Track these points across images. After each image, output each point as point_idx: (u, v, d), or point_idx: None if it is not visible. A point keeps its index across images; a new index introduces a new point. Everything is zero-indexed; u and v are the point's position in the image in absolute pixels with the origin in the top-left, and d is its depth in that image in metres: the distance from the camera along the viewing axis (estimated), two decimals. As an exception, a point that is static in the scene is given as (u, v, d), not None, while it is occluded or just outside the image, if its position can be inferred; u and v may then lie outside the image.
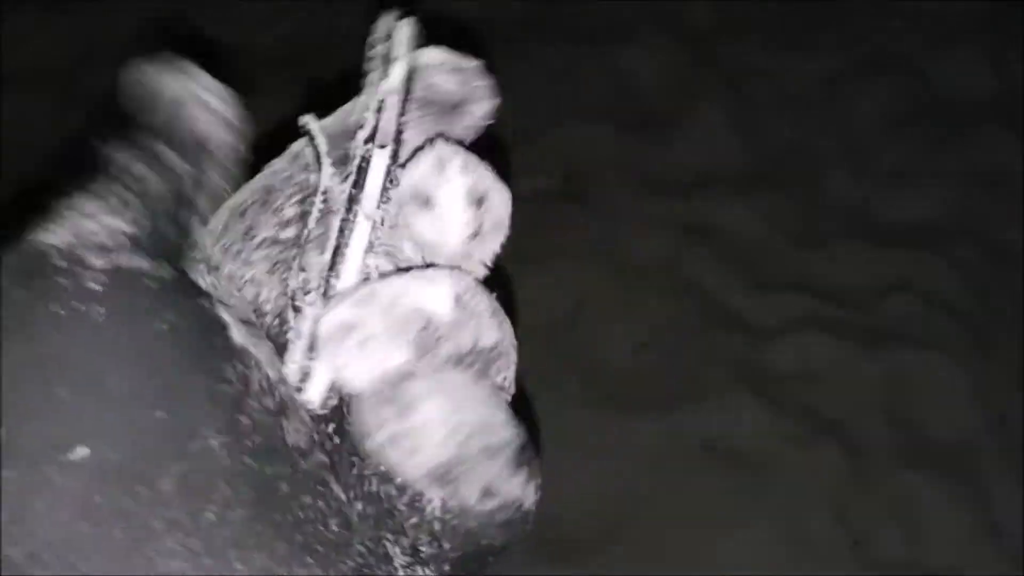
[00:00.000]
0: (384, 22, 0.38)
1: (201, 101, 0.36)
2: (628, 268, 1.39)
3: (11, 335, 0.28)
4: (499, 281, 0.35)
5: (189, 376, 0.29)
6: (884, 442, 1.27)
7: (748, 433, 1.26)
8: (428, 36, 0.38)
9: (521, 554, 1.17)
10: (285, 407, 0.31)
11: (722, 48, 1.63)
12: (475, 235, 0.34)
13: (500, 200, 0.34)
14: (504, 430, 0.32)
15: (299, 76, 1.59)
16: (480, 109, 0.38)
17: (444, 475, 0.31)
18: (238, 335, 0.31)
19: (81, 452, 0.27)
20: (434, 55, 0.38)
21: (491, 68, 0.38)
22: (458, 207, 0.34)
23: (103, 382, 0.28)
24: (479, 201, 0.34)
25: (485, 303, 0.33)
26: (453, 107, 0.37)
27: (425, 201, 0.34)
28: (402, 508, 0.32)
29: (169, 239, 0.33)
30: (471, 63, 0.38)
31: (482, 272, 0.34)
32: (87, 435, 0.28)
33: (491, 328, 0.33)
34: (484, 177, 0.34)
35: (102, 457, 0.28)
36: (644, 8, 1.67)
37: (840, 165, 1.50)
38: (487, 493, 0.32)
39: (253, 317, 0.34)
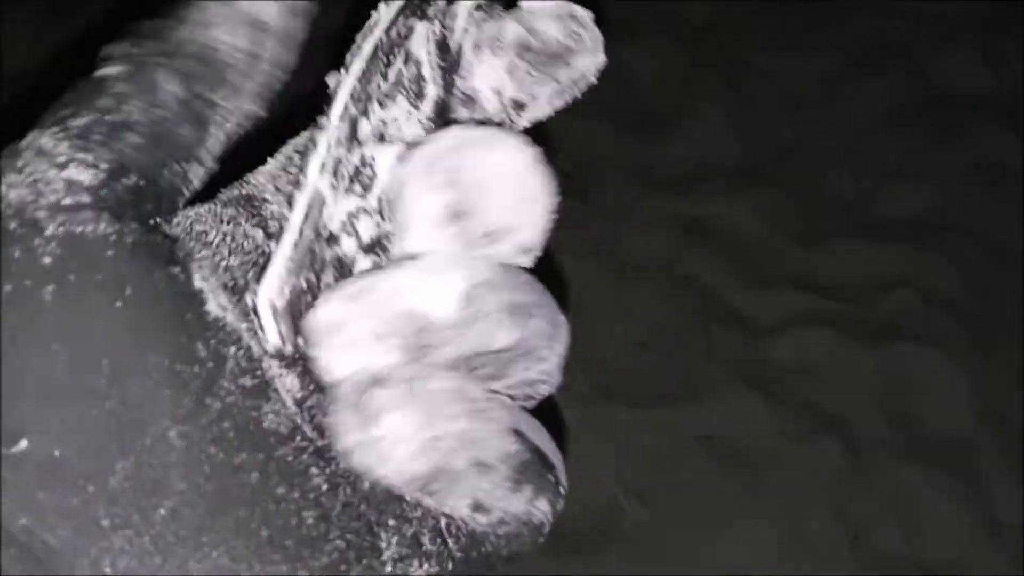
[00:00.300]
0: None
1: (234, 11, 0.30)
2: (627, 265, 1.40)
3: None
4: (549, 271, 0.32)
5: (148, 358, 0.27)
6: (883, 438, 1.27)
7: (747, 430, 1.26)
8: None
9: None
10: (266, 387, 0.29)
11: (722, 47, 1.63)
12: (459, 243, 0.30)
13: (494, 203, 0.30)
14: (499, 445, 0.29)
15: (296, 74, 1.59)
16: (585, 62, 0.34)
17: (425, 486, 0.29)
18: (217, 305, 0.29)
19: (21, 445, 0.26)
20: (537, 3, 0.34)
21: (600, 22, 0.35)
22: (428, 227, 0.30)
23: (48, 371, 0.26)
24: (455, 216, 0.30)
25: (501, 300, 0.29)
26: (555, 56, 0.34)
27: (399, 213, 0.31)
28: (408, 497, 0.30)
29: (147, 181, 0.29)
30: (580, 11, 0.34)
31: (522, 261, 0.30)
32: (30, 428, 0.26)
33: (507, 327, 0.29)
34: (467, 188, 0.30)
35: (45, 452, 0.26)
36: (644, 6, 1.67)
37: (839, 162, 1.50)
38: (479, 508, 0.30)
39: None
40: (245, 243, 0.31)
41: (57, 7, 1.89)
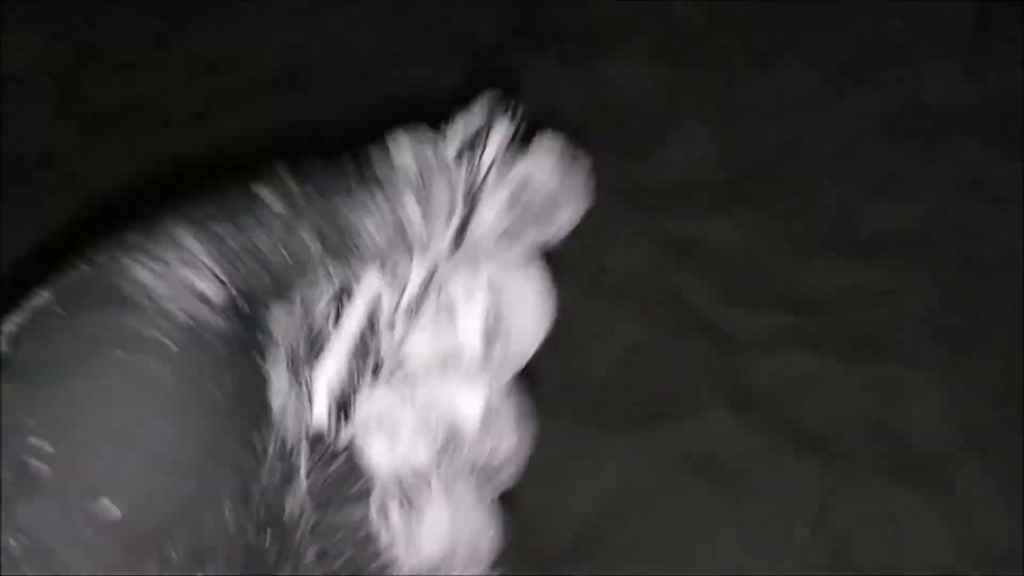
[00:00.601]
0: (483, 104, 0.38)
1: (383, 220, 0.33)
2: (610, 283, 1.40)
3: (79, 363, 0.28)
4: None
5: (224, 444, 0.30)
6: (865, 454, 1.28)
7: (729, 447, 1.27)
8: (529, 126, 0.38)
9: (503, 569, 1.19)
10: (290, 476, 0.31)
11: (706, 63, 1.63)
12: (488, 358, 0.35)
13: (520, 331, 0.35)
14: (489, 540, 0.33)
15: (299, 92, 1.61)
16: (571, 210, 0.38)
17: (432, 569, 0.32)
18: (275, 389, 0.31)
19: (113, 512, 0.27)
20: (543, 152, 0.38)
21: (589, 168, 0.38)
22: (474, 336, 0.34)
23: (150, 444, 0.29)
24: (492, 334, 0.35)
25: (509, 415, 0.34)
26: (547, 205, 0.38)
27: (449, 317, 0.35)
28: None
29: (257, 304, 0.31)
30: (576, 163, 0.38)
31: (510, 375, 0.35)
32: (121, 494, 0.28)
33: (509, 441, 0.34)
34: (505, 314, 0.35)
35: (132, 521, 0.28)
36: (626, 22, 1.68)
37: (825, 176, 1.50)
38: None
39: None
40: (315, 323, 0.34)
41: (57, 6, 1.91)
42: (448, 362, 0.33)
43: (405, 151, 0.34)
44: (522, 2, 1.74)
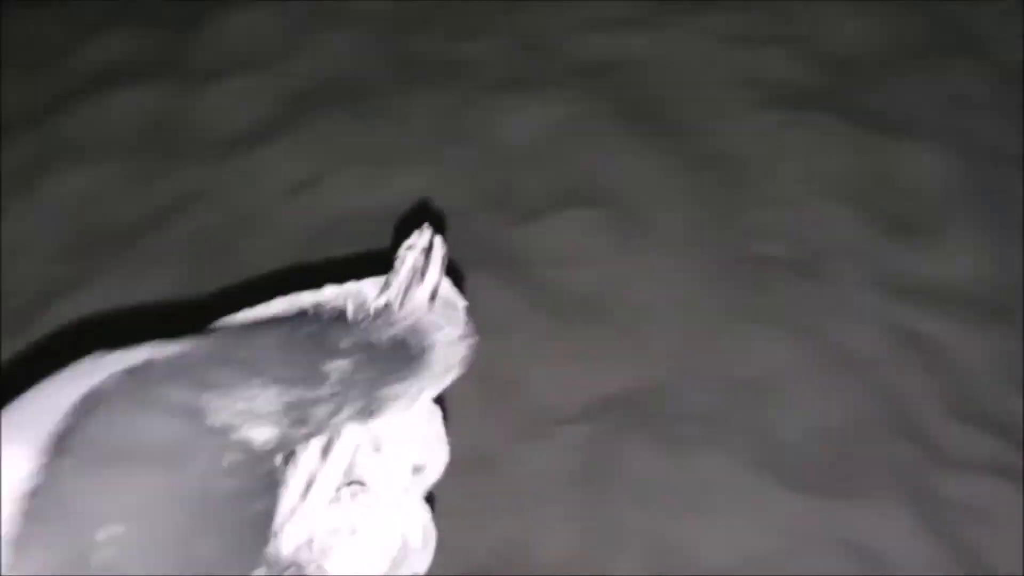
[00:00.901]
0: (420, 234, 0.45)
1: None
2: (833, 353, 1.41)
3: (145, 461, 0.33)
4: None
5: (236, 567, 0.34)
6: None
7: (897, 547, 1.26)
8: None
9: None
10: None
11: (1005, 172, 1.60)
12: (409, 488, 0.41)
13: (439, 466, 0.42)
14: None
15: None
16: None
17: None
18: (276, 523, 0.37)
19: None
20: (443, 288, 0.45)
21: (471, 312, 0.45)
22: (402, 470, 0.41)
23: (191, 556, 0.33)
24: (418, 469, 0.41)
25: (433, 541, 0.40)
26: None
27: (377, 448, 0.41)
28: None
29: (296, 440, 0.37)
30: (463, 302, 0.45)
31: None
32: None
33: (428, 562, 0.40)
34: (429, 450, 0.42)
35: None
36: (929, 113, 1.66)
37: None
38: None
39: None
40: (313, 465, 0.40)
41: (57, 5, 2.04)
42: (393, 482, 0.41)
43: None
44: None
